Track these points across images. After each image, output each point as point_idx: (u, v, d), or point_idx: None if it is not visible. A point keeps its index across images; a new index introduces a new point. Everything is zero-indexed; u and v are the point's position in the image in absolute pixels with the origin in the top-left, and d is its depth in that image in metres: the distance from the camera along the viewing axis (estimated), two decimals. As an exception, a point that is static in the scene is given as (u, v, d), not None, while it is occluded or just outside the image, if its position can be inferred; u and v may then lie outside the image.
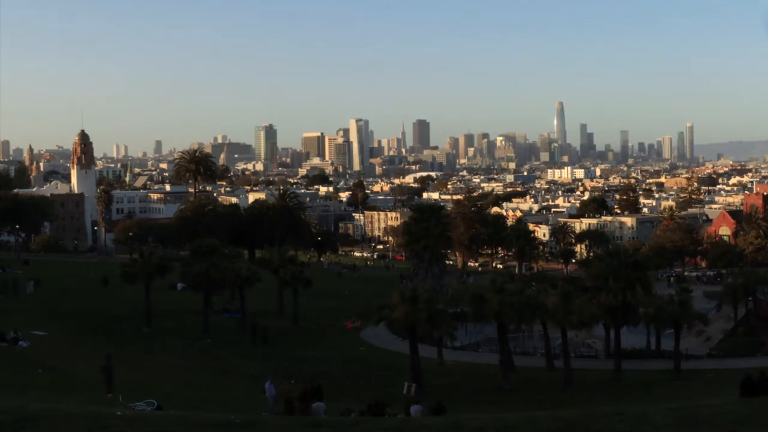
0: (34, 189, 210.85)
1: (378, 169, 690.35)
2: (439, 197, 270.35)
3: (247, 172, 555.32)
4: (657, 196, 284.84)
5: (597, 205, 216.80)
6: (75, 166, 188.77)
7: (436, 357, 56.31)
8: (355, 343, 65.50)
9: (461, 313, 60.80)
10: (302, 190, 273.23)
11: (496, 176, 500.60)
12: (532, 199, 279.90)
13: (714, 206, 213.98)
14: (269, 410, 30.58)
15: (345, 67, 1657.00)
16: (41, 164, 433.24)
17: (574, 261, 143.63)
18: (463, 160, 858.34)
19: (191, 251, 76.34)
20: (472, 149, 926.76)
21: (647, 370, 54.11)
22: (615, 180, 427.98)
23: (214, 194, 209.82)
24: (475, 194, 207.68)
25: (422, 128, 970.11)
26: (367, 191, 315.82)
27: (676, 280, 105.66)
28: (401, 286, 55.60)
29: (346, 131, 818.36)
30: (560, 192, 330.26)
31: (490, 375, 50.48)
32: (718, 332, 71.19)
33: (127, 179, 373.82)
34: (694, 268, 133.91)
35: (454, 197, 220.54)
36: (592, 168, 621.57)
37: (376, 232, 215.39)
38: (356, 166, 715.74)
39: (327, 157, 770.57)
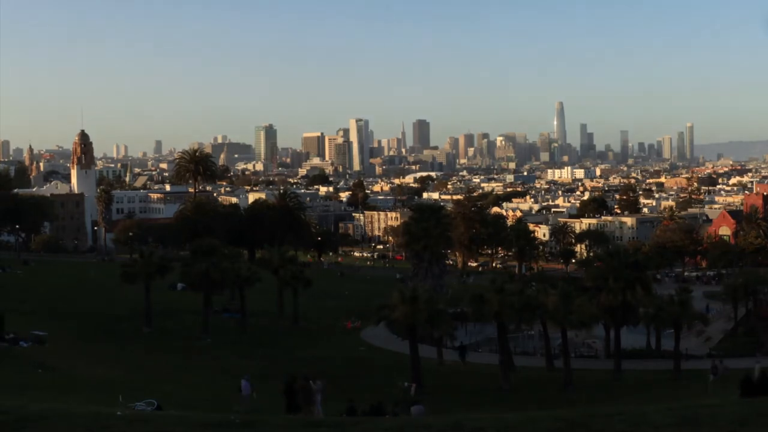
0: (34, 189, 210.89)
1: (378, 169, 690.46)
2: (439, 197, 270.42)
3: (247, 172, 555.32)
4: (657, 196, 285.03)
5: (597, 205, 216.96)
6: (75, 166, 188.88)
7: (436, 357, 56.30)
8: (355, 343, 65.49)
9: (461, 313, 60.79)
10: (302, 190, 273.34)
11: (496, 176, 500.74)
12: (532, 199, 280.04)
13: (714, 206, 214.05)
14: (241, 408, 30.03)
15: (345, 67, 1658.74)
16: (41, 164, 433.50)
17: (574, 261, 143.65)
18: (463, 160, 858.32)
19: (191, 251, 76.33)
20: (472, 149, 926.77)
21: (647, 370, 54.10)
22: (615, 180, 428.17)
23: (214, 194, 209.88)
24: (475, 194, 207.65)
25: (422, 128, 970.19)
26: (367, 191, 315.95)
27: (675, 280, 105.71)
28: (401, 286, 55.56)
29: (346, 131, 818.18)
30: (560, 192, 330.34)
31: (490, 375, 50.47)
32: (718, 332, 71.19)
33: (127, 179, 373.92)
34: (694, 268, 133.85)
35: (454, 197, 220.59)
36: (592, 168, 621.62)
37: (376, 232, 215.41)
38: (356, 166, 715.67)
39: (327, 157, 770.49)
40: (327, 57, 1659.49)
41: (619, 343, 53.87)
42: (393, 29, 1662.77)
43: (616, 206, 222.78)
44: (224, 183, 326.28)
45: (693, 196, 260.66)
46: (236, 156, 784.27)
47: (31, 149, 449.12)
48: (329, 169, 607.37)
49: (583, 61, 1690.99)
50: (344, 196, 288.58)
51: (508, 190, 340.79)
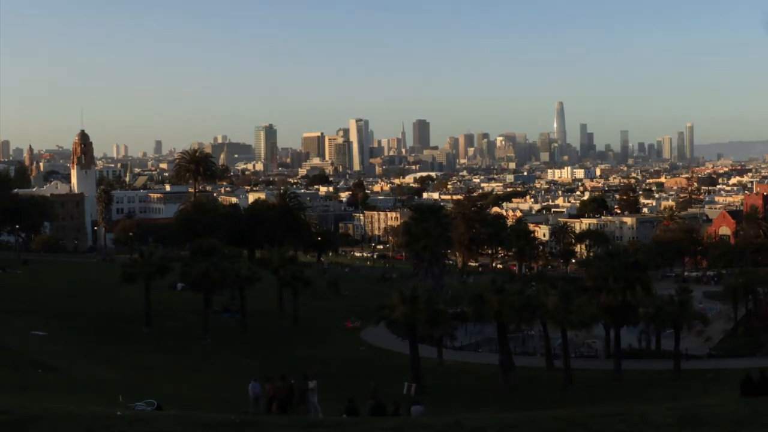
0: (34, 189, 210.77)
1: (378, 169, 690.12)
2: (439, 197, 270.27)
3: (247, 172, 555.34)
4: (657, 196, 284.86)
5: (597, 205, 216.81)
6: (75, 166, 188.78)
7: (436, 357, 56.29)
8: (355, 343, 65.49)
9: (461, 313, 60.78)
10: (302, 190, 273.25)
11: (496, 176, 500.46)
12: (532, 199, 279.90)
13: (714, 206, 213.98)
14: (251, 410, 29.96)
15: (345, 67, 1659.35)
16: (41, 164, 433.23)
17: (574, 261, 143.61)
18: (463, 160, 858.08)
19: (191, 251, 76.31)
20: (472, 149, 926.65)
21: (647, 370, 54.10)
22: (615, 180, 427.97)
23: (214, 194, 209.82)
24: (475, 194, 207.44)
25: (422, 128, 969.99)
26: (367, 191, 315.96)
27: (675, 280, 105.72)
28: (402, 286, 55.55)
29: (346, 131, 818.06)
30: (560, 192, 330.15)
31: (490, 375, 50.47)
32: (718, 332, 71.18)
33: (127, 179, 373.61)
34: (694, 268, 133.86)
35: (454, 197, 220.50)
36: (592, 168, 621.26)
37: (376, 232, 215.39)
38: (356, 166, 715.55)
39: (327, 157, 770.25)
40: (327, 57, 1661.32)
41: (619, 343, 53.89)
42: (393, 29, 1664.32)
43: (616, 206, 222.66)
44: (224, 183, 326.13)
45: (693, 196, 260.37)
46: (236, 156, 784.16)
47: (31, 149, 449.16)
48: (329, 169, 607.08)
49: (583, 61, 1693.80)
50: (344, 196, 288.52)
51: (508, 190, 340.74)
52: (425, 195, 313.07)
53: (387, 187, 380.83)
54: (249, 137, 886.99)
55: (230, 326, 67.94)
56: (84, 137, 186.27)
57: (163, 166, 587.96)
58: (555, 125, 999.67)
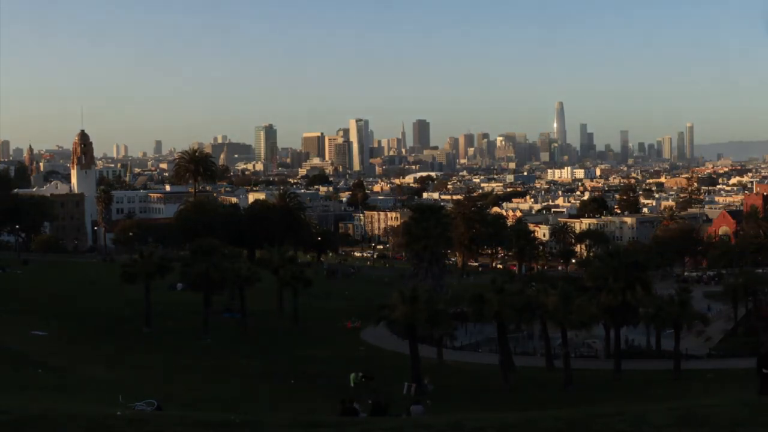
0: (34, 189, 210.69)
1: (378, 169, 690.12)
2: (439, 197, 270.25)
3: (247, 172, 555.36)
4: (657, 196, 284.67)
5: (597, 205, 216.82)
6: (75, 166, 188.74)
7: (436, 357, 56.27)
8: (355, 343, 65.50)
9: (461, 313, 60.75)
10: (302, 190, 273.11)
11: (496, 176, 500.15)
12: (532, 199, 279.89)
13: (714, 206, 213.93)
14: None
15: (345, 67, 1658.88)
16: (41, 164, 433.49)
17: (574, 261, 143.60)
18: (463, 160, 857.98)
19: (191, 251, 76.34)
20: (472, 149, 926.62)
21: (647, 370, 54.09)
22: (615, 180, 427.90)
23: (214, 194, 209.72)
24: (475, 194, 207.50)
25: (422, 128, 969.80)
26: (367, 191, 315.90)
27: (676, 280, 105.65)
28: (402, 287, 55.54)
29: (346, 131, 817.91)
30: (560, 192, 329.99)
31: (490, 375, 50.46)
32: (718, 332, 71.18)
33: (127, 179, 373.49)
34: (694, 268, 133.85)
35: (454, 197, 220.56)
36: (592, 168, 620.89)
37: (376, 232, 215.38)
38: (356, 166, 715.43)
39: (327, 157, 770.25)
40: (327, 57, 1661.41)
41: (619, 343, 53.88)
42: (393, 29, 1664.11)
43: (616, 206, 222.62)
44: (224, 183, 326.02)
45: (693, 196, 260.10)
46: (236, 156, 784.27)
47: (31, 149, 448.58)
48: (329, 169, 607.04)
49: (583, 61, 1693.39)
50: (344, 196, 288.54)
51: (508, 190, 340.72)
52: (425, 195, 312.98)
53: (387, 187, 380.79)
54: (249, 137, 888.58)
55: (230, 326, 67.94)
56: (84, 137, 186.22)
57: (163, 166, 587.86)
58: (555, 125, 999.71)
